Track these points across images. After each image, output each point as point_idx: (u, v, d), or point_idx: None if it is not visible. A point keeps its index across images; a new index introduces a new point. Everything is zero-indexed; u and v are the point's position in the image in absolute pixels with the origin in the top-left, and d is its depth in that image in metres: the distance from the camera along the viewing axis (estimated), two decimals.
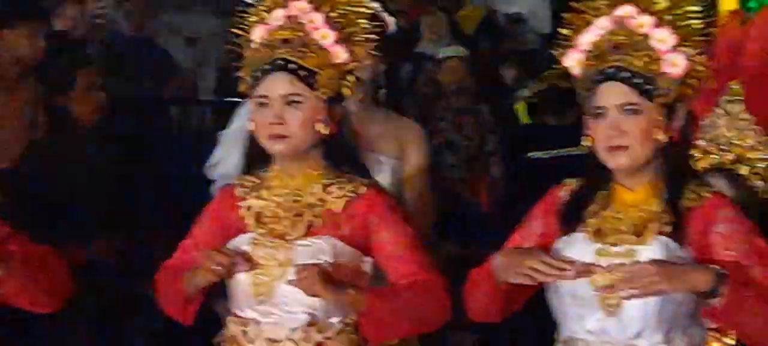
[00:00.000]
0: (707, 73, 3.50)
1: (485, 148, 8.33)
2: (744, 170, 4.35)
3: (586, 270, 3.39)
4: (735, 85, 4.42)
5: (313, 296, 3.55)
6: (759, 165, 4.36)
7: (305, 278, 3.53)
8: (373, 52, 3.71)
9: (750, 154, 4.38)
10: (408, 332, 3.89)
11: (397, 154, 4.82)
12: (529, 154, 7.45)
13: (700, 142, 4.41)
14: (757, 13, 4.58)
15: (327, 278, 3.54)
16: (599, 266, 3.40)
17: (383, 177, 4.54)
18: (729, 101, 4.42)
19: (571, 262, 3.40)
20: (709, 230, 3.39)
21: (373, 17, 3.80)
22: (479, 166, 8.25)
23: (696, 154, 4.39)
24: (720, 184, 4.14)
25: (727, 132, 4.41)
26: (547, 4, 9.99)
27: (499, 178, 8.11)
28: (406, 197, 4.81)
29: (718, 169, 4.31)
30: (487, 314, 3.61)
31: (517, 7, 10.10)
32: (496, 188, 8.04)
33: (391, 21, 4.84)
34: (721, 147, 4.41)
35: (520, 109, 8.10)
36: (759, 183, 4.34)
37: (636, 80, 3.40)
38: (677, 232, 3.39)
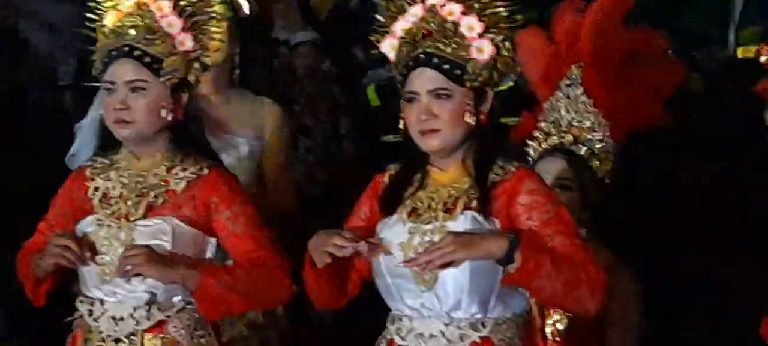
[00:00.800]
0: (512, 58, 3.56)
1: (339, 131, 8.37)
2: (582, 151, 4.40)
3: (377, 244, 3.46)
4: (574, 70, 4.48)
5: (138, 275, 3.60)
6: (596, 146, 4.41)
7: (130, 258, 3.57)
8: (223, 38, 3.70)
9: (588, 136, 4.42)
10: (244, 308, 3.95)
11: (256, 134, 4.80)
12: (383, 137, 7.46)
13: (542, 124, 4.47)
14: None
15: (155, 258, 3.58)
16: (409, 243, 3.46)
17: (241, 157, 4.57)
18: (568, 85, 4.47)
19: (372, 239, 3.47)
20: (513, 202, 3.44)
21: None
22: (334, 147, 8.28)
23: (537, 136, 4.46)
24: (560, 163, 4.29)
25: (566, 114, 4.46)
26: None
27: (353, 159, 8.14)
28: (266, 176, 4.82)
29: (559, 149, 4.37)
30: (326, 301, 3.65)
31: None
32: (351, 169, 8.06)
33: (244, 5, 4.84)
34: (562, 129, 4.45)
35: (371, 92, 8.14)
36: (596, 163, 4.39)
37: (446, 66, 3.45)
38: (484, 206, 3.44)
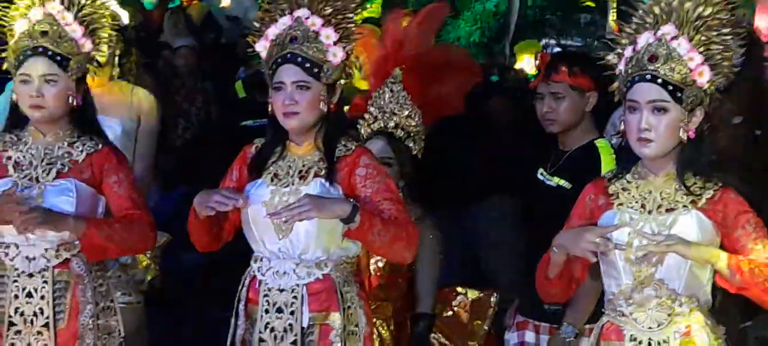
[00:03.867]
0: (359, 62, 3.70)
1: (211, 117, 8.28)
2: (401, 134, 4.41)
3: (236, 198, 3.45)
4: (397, 70, 4.48)
5: (29, 232, 3.57)
6: (412, 130, 4.42)
7: (23, 218, 3.55)
8: (113, 41, 3.74)
9: (406, 122, 4.43)
10: (118, 254, 3.95)
11: (129, 116, 4.82)
12: (243, 122, 7.42)
13: (371, 109, 4.47)
14: (417, 12, 4.69)
15: (47, 217, 3.57)
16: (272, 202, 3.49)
17: (116, 136, 4.56)
18: (392, 82, 4.47)
19: (244, 197, 3.48)
20: (353, 173, 3.50)
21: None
22: (207, 130, 8.19)
23: (367, 118, 4.45)
24: (383, 143, 4.30)
25: (390, 104, 4.45)
26: (255, 7, 10.03)
27: (220, 141, 8.07)
28: (138, 151, 4.82)
29: (383, 132, 4.40)
30: (207, 245, 3.66)
31: (235, 10, 10.09)
32: (219, 148, 7.98)
33: (124, 14, 4.90)
34: (386, 115, 4.44)
35: (238, 86, 8.10)
36: (411, 143, 4.42)
37: (307, 64, 3.49)
38: (331, 175, 3.50)
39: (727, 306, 3.33)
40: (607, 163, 4.01)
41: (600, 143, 4.14)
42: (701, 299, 3.20)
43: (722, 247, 3.16)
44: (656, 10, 3.18)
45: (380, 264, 4.26)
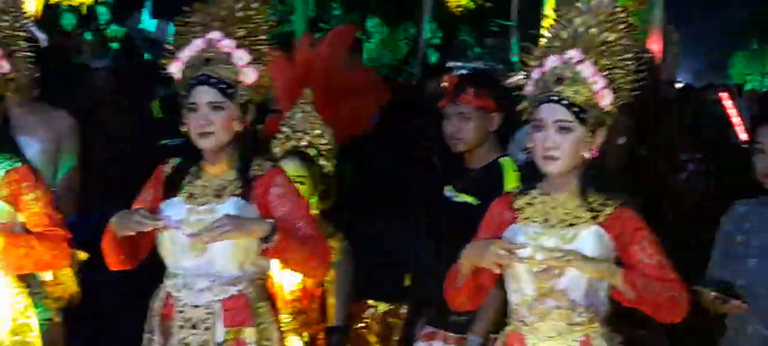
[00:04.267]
0: (270, 82, 3.60)
1: (131, 137, 8.18)
2: (312, 152, 4.42)
3: (157, 220, 3.44)
4: (308, 91, 4.50)
5: None
6: (323, 148, 4.43)
7: None
8: (28, 63, 3.70)
9: (317, 141, 4.44)
10: (34, 268, 3.86)
11: (48, 137, 4.77)
12: (162, 141, 7.35)
13: (284, 129, 4.47)
14: (324, 37, 4.69)
15: None
16: (190, 221, 3.47)
17: (32, 156, 4.42)
18: (304, 102, 4.49)
19: (165, 218, 3.45)
20: (268, 192, 3.49)
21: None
22: (127, 147, 8.08)
23: (280, 138, 4.44)
24: (296, 162, 4.27)
25: (302, 124, 4.46)
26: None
27: (141, 159, 7.97)
28: (59, 172, 4.80)
29: (295, 151, 4.39)
30: (121, 264, 3.61)
31: (154, 32, 10.04)
32: (137, 165, 7.88)
33: (42, 37, 4.87)
34: (298, 134, 4.44)
35: (155, 106, 8.03)
36: (323, 162, 4.42)
37: (221, 85, 3.47)
38: (246, 194, 3.48)
39: (623, 315, 3.36)
40: (511, 180, 4.03)
41: (504, 161, 4.16)
42: (600, 308, 3.24)
43: (619, 261, 3.22)
44: (563, 34, 3.24)
45: (294, 278, 4.25)
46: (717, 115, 5.42)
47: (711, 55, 17.11)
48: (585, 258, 3.15)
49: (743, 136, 5.51)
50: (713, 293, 3.44)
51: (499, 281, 3.34)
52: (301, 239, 3.42)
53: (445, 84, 4.57)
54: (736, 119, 5.24)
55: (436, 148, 4.70)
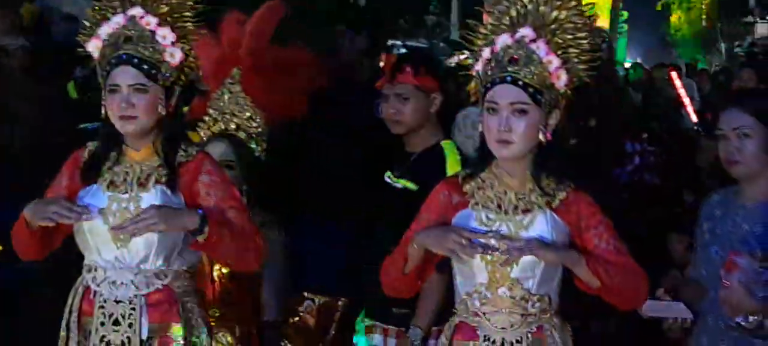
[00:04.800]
0: (196, 63, 3.51)
1: (47, 121, 8.06)
2: (242, 135, 4.34)
3: (80, 212, 3.32)
4: (236, 71, 4.39)
5: None
6: (254, 132, 4.35)
7: None
8: None
9: (247, 124, 4.35)
10: None
11: None
12: (81, 125, 7.20)
13: (211, 112, 4.38)
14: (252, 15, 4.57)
15: None
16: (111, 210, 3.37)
17: None
18: (232, 83, 4.38)
19: (88, 209, 3.34)
20: (195, 180, 3.40)
21: None
22: (42, 135, 7.95)
23: (207, 121, 4.37)
24: (224, 146, 4.19)
25: (230, 106, 4.36)
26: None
27: (56, 146, 7.85)
28: None
29: (224, 134, 4.30)
30: (34, 254, 3.50)
31: (72, 9, 9.80)
32: (55, 153, 7.78)
33: None
34: (226, 117, 4.35)
35: (70, 87, 7.88)
36: (254, 145, 4.34)
37: (144, 66, 3.36)
38: (172, 182, 3.38)
39: (574, 304, 3.34)
40: (453, 165, 4.01)
41: (445, 145, 4.12)
42: (553, 298, 3.23)
43: (573, 247, 3.20)
44: (513, 12, 3.20)
45: (224, 271, 4.15)
46: (668, 96, 5.44)
47: (659, 32, 17.41)
48: (547, 246, 3.13)
49: (694, 117, 5.55)
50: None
51: (442, 266, 3.32)
52: (233, 232, 3.33)
53: (382, 63, 4.42)
54: (686, 100, 5.25)
55: (374, 131, 4.62)
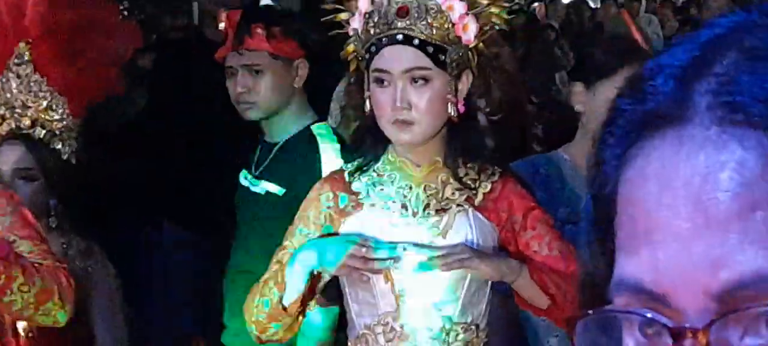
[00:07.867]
0: None
1: None
2: (43, 133, 3.75)
3: None
4: (23, 47, 3.80)
5: None
6: (56, 126, 3.76)
7: None
8: None
9: (46, 116, 3.77)
10: None
11: None
12: None
13: None
14: None
15: None
16: None
17: None
18: (18, 64, 3.79)
19: None
20: None
21: None
22: None
23: None
24: (18, 150, 3.67)
25: (20, 95, 3.78)
26: None
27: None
28: None
29: (16, 135, 3.73)
30: None
31: None
32: None
33: None
34: (17, 111, 3.77)
35: None
36: (59, 146, 3.76)
37: None
38: None
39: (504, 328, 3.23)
40: (330, 157, 3.53)
41: (318, 130, 3.64)
42: (480, 324, 2.87)
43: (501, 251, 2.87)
44: None
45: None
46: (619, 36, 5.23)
47: None
48: (480, 255, 2.72)
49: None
50: None
51: (330, 293, 3.00)
52: (27, 273, 2.89)
53: (223, 24, 4.00)
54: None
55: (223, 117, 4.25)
